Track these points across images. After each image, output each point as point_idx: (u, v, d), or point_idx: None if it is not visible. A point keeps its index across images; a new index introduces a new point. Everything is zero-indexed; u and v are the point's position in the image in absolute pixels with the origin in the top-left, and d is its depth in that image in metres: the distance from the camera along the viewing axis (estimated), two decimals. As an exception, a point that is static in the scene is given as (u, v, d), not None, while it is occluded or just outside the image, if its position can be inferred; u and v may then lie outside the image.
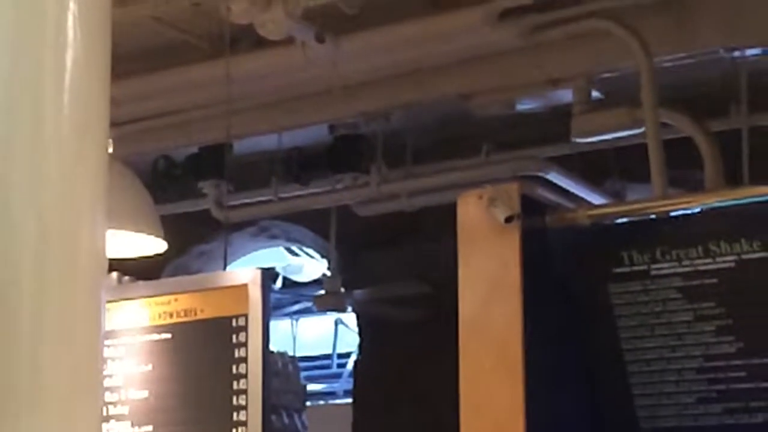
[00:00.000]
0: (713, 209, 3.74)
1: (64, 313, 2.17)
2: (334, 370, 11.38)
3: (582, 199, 6.73)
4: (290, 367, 5.47)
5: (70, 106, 2.25)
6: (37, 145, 2.20)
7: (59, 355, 2.15)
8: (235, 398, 4.37)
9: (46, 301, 2.15)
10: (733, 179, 5.53)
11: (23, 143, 2.19)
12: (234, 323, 4.41)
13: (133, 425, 4.59)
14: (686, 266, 3.64)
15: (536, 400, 3.56)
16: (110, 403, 4.63)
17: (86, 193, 2.27)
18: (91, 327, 2.23)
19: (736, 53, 5.54)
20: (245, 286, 4.40)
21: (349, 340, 10.61)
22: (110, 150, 4.27)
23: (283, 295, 10.50)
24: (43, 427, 2.10)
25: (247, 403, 4.35)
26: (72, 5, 2.26)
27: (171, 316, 4.55)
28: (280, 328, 11.15)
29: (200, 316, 4.49)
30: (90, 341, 2.23)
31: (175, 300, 4.54)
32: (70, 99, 2.24)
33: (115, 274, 4.77)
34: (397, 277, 7.53)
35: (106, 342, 4.67)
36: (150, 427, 4.55)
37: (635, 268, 3.70)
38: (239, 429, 4.34)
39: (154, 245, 4.45)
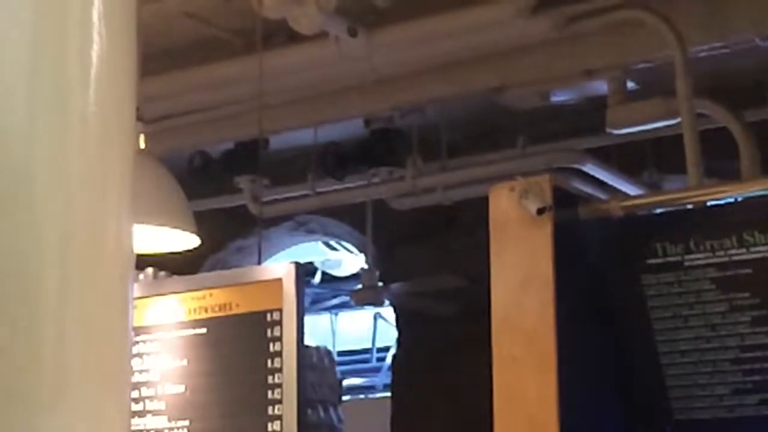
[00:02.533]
0: (747, 199, 3.71)
1: (90, 308, 2.16)
2: (374, 364, 11.41)
3: (618, 190, 6.71)
4: (326, 360, 5.47)
5: (95, 99, 2.24)
6: (61, 139, 2.19)
7: (85, 350, 2.14)
8: (270, 392, 4.38)
9: (71, 295, 2.14)
10: (767, 169, 5.49)
11: (48, 139, 2.18)
12: (268, 317, 4.42)
13: (169, 420, 4.61)
14: (720, 257, 3.61)
15: (569, 391, 3.54)
16: (147, 397, 4.65)
17: (112, 187, 2.26)
18: (118, 322, 2.23)
19: (772, 42, 5.49)
20: (279, 280, 4.40)
21: (389, 334, 10.62)
22: (141, 145, 4.31)
23: (321, 290, 10.52)
24: (68, 423, 2.10)
25: (282, 397, 4.35)
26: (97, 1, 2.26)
27: (206, 310, 4.56)
28: (319, 323, 11.18)
29: (235, 310, 4.50)
30: (117, 336, 2.22)
31: (210, 295, 4.56)
32: (96, 93, 2.24)
33: (150, 270, 4.79)
34: (434, 271, 7.53)
35: (143, 337, 4.69)
36: (186, 422, 4.57)
37: (669, 259, 3.67)
38: (274, 423, 4.35)
39: (188, 240, 4.46)
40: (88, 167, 2.18)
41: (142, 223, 4.07)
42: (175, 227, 4.24)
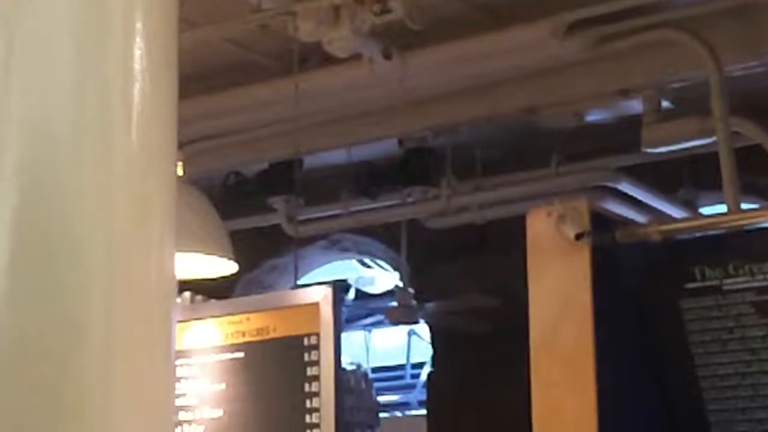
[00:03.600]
0: (785, 223, 3.71)
1: (134, 337, 2.19)
2: (408, 380, 11.39)
3: (653, 208, 6.69)
4: (363, 384, 5.48)
5: (138, 137, 2.27)
6: (105, 171, 2.22)
7: (131, 378, 2.16)
8: (308, 416, 4.39)
9: (116, 324, 2.16)
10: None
11: (92, 169, 2.21)
12: (306, 342, 4.43)
13: (208, 444, 4.63)
14: (759, 280, 3.61)
15: (608, 417, 3.54)
16: (185, 421, 4.67)
17: (155, 216, 2.29)
18: (163, 350, 2.25)
19: (808, 60, 5.48)
20: (317, 304, 4.41)
21: (423, 351, 10.61)
22: (180, 172, 4.33)
23: (356, 308, 10.52)
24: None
25: (320, 421, 4.36)
26: (138, 39, 2.29)
27: (243, 335, 4.58)
28: (353, 339, 11.18)
29: (272, 335, 4.52)
30: (162, 364, 2.24)
31: (247, 319, 4.57)
32: (138, 131, 2.26)
33: (188, 294, 4.81)
34: (467, 289, 7.53)
35: (180, 361, 4.71)
36: (225, 446, 4.59)
37: (707, 283, 3.67)
38: (313, 447, 4.36)
39: (225, 267, 4.48)
40: (132, 201, 2.21)
41: (182, 250, 4.09)
42: (214, 254, 4.26)
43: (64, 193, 2.15)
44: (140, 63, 2.28)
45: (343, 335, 4.58)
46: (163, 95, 2.32)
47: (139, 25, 2.30)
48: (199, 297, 4.82)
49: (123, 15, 2.28)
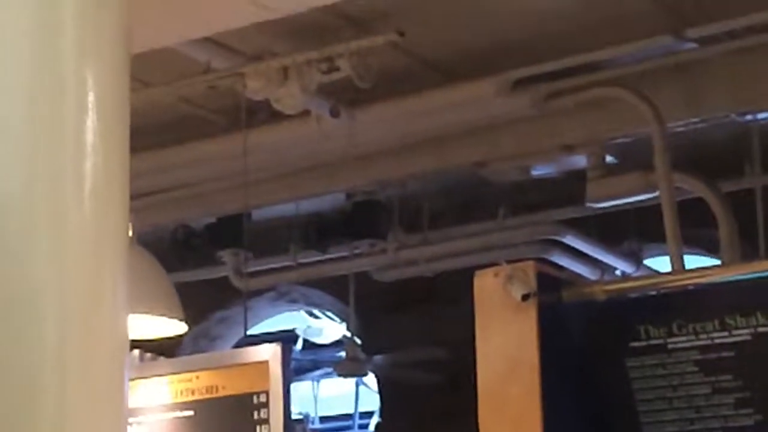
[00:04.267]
0: (729, 283, 3.76)
1: (87, 397, 2.21)
2: (356, 431, 11.37)
3: (599, 261, 6.77)
4: (311, 439, 5.50)
5: (90, 195, 2.30)
6: (58, 233, 2.25)
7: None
8: (257, 474, 4.39)
9: (70, 383, 2.18)
10: (747, 238, 5.57)
11: (44, 233, 2.24)
12: (255, 400, 4.44)
13: (157, 503, 4.61)
14: (703, 339, 3.66)
15: (556, 476, 3.58)
16: (134, 481, 4.65)
17: (107, 278, 2.32)
18: (116, 409, 2.27)
19: (748, 116, 5.59)
20: (266, 362, 4.42)
21: (371, 400, 10.61)
22: (130, 233, 4.35)
23: (303, 358, 10.51)
24: None
25: (269, 479, 4.36)
26: (91, 108, 2.32)
27: (193, 393, 4.58)
28: (301, 388, 11.15)
29: (222, 393, 4.51)
30: (115, 422, 2.26)
31: (197, 377, 4.57)
32: (90, 189, 2.29)
33: (137, 352, 4.80)
34: (417, 341, 7.56)
35: (130, 420, 4.70)
36: (174, 505, 4.57)
37: (652, 341, 3.72)
38: (262, 505, 4.35)
39: (174, 327, 4.49)
40: (84, 264, 2.23)
41: (131, 311, 4.09)
42: (163, 315, 4.27)
43: (18, 257, 2.17)
44: (92, 132, 2.31)
45: (292, 385, 4.59)
46: (115, 161, 2.36)
47: (91, 95, 2.33)
48: (148, 355, 4.81)
49: (76, 84, 2.31)
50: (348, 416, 11.50)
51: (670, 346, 3.70)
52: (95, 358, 2.20)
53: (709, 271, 3.90)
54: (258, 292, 8.04)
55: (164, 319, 4.34)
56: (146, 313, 4.22)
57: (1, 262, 2.15)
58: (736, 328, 3.61)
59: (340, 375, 7.77)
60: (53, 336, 2.15)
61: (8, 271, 2.16)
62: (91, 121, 2.31)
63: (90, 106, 2.31)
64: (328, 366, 9.50)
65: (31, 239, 2.20)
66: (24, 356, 2.12)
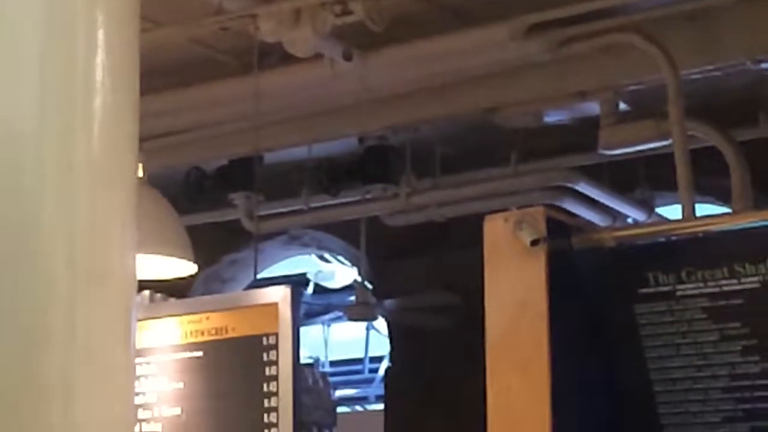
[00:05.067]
0: (739, 231, 3.75)
1: (96, 335, 2.22)
2: (366, 375, 11.43)
3: (610, 208, 6.76)
4: (321, 383, 5.51)
5: (99, 133, 2.30)
6: (67, 173, 2.26)
7: (91, 377, 2.19)
8: (266, 416, 4.41)
9: (78, 323, 2.20)
10: (760, 187, 5.55)
11: (54, 172, 2.25)
12: (265, 341, 4.46)
13: (165, 442, 4.65)
14: (712, 287, 3.66)
15: (563, 421, 3.59)
16: (143, 420, 4.68)
17: (116, 217, 2.32)
18: (124, 348, 2.28)
19: (763, 65, 5.55)
20: (275, 304, 4.44)
21: (381, 344, 10.65)
22: (141, 174, 4.35)
23: (314, 302, 10.55)
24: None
25: (278, 421, 4.39)
26: (100, 46, 2.31)
27: (202, 334, 4.60)
28: (312, 333, 11.20)
29: (231, 334, 4.54)
30: (123, 362, 2.28)
31: (207, 318, 4.59)
32: (100, 126, 2.30)
33: (147, 293, 4.82)
34: (426, 286, 7.58)
35: (139, 360, 4.73)
36: (182, 444, 4.61)
37: (661, 288, 3.72)
38: (271, 446, 4.39)
39: (185, 268, 4.50)
40: (94, 202, 2.24)
41: (141, 252, 4.11)
42: (173, 255, 4.28)
43: (27, 194, 2.18)
44: (102, 70, 2.30)
45: (302, 329, 4.61)
46: (124, 99, 2.36)
47: (100, 33, 2.33)
48: (158, 295, 4.83)
49: (85, 21, 2.30)
50: (358, 360, 11.57)
51: (678, 293, 3.70)
52: (104, 297, 2.21)
53: (719, 219, 3.90)
54: (269, 236, 8.06)
55: (174, 259, 4.35)
56: (156, 253, 4.23)
57: (11, 200, 2.16)
58: (745, 275, 3.60)
59: (350, 319, 7.80)
60: (62, 275, 2.16)
61: (18, 210, 2.17)
62: (100, 58, 2.30)
63: (99, 43, 2.31)
64: (339, 310, 9.54)
65: (41, 177, 2.20)
66: (33, 296, 2.13)
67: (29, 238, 2.17)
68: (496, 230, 3.72)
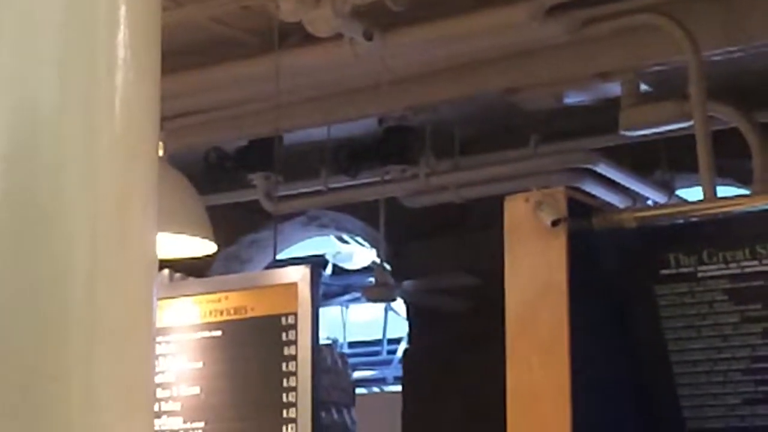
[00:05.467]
0: (760, 212, 3.74)
1: (116, 314, 2.22)
2: (384, 356, 11.44)
3: (630, 190, 6.74)
4: (339, 363, 5.52)
5: (121, 110, 2.30)
6: (89, 151, 2.25)
7: (112, 356, 2.19)
8: (284, 395, 4.42)
9: (99, 301, 2.19)
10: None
11: (75, 151, 2.24)
12: (284, 321, 4.46)
13: (185, 421, 4.66)
14: (733, 268, 3.65)
15: (582, 401, 3.58)
16: (162, 399, 4.70)
17: (137, 196, 2.32)
18: (144, 327, 2.28)
19: (786, 46, 5.52)
20: (295, 284, 4.44)
21: (400, 326, 10.66)
22: (161, 153, 4.35)
23: (333, 284, 10.56)
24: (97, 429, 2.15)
25: (296, 400, 4.40)
26: (123, 22, 2.31)
27: (221, 313, 4.61)
28: (330, 314, 11.21)
29: (250, 314, 4.54)
30: (143, 341, 2.28)
31: (226, 298, 4.60)
32: (121, 103, 2.29)
33: (166, 272, 4.83)
34: (445, 267, 7.57)
35: (159, 339, 4.74)
36: (202, 423, 4.62)
37: (682, 269, 3.71)
38: (289, 426, 4.39)
39: (204, 246, 4.50)
40: (114, 180, 2.24)
41: (161, 230, 4.10)
42: (193, 234, 4.28)
43: (48, 172, 2.18)
44: (123, 46, 2.30)
45: (320, 311, 4.61)
46: (146, 76, 2.35)
47: (122, 10, 2.32)
48: (177, 275, 4.84)
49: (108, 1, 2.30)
50: (376, 342, 11.57)
51: (699, 275, 3.69)
52: (124, 276, 2.21)
53: (740, 200, 3.88)
54: (288, 216, 8.06)
55: (194, 238, 4.36)
56: (176, 231, 4.23)
57: (32, 178, 2.16)
58: (767, 257, 3.59)
59: (369, 300, 7.80)
60: (83, 252, 2.15)
61: (39, 187, 2.16)
62: (122, 35, 2.30)
63: (121, 20, 2.30)
64: (358, 291, 9.54)
65: (63, 155, 2.20)
66: (53, 274, 2.13)
67: (50, 216, 2.17)
68: (516, 211, 3.72)
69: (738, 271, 3.64)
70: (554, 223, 3.59)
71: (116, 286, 2.18)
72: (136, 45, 2.30)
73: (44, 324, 2.09)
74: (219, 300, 4.61)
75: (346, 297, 10.79)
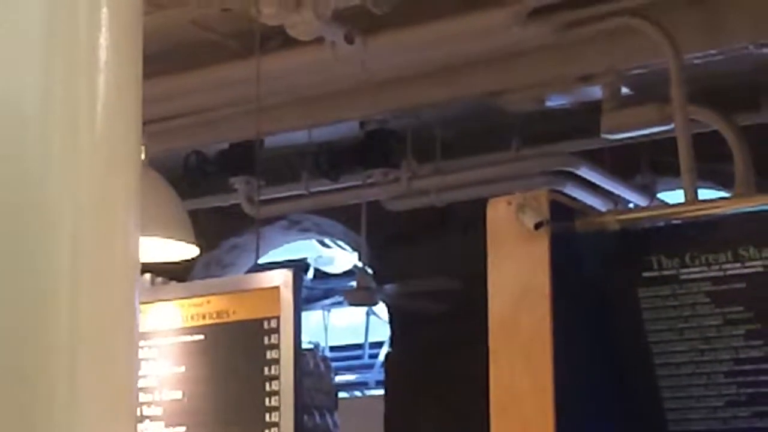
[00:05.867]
0: (743, 214, 3.74)
1: (99, 319, 2.20)
2: (366, 360, 11.42)
3: (612, 193, 6.75)
4: (322, 366, 5.50)
5: (103, 112, 2.29)
6: (71, 154, 2.24)
7: (95, 359, 2.18)
8: (267, 399, 4.41)
9: (82, 306, 2.18)
10: (762, 173, 5.53)
11: (58, 153, 2.23)
12: (266, 325, 4.45)
13: (166, 426, 4.64)
14: (715, 270, 3.65)
15: (565, 403, 3.58)
16: (144, 403, 4.68)
17: (120, 199, 2.31)
18: (128, 330, 2.27)
19: (766, 49, 5.53)
20: (277, 288, 4.43)
21: (381, 330, 10.65)
22: (143, 157, 4.33)
23: (315, 288, 10.54)
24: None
25: (279, 404, 4.38)
26: (103, 29, 2.30)
27: (204, 317, 4.59)
28: (312, 318, 11.19)
29: (232, 317, 4.53)
30: (126, 346, 2.26)
31: (208, 302, 4.58)
32: (104, 106, 2.28)
33: (148, 276, 4.81)
34: (427, 271, 7.57)
35: (141, 343, 4.72)
36: (183, 428, 4.60)
37: (664, 272, 3.71)
38: (272, 430, 4.38)
39: (186, 250, 4.49)
40: (97, 183, 2.23)
41: (143, 234, 4.09)
42: (175, 238, 4.27)
43: (29, 175, 2.16)
44: (105, 49, 2.29)
45: (302, 315, 4.60)
46: (127, 78, 2.34)
47: (104, 12, 2.31)
48: (159, 279, 4.82)
49: (89, 3, 2.29)
50: (358, 346, 11.56)
51: (682, 277, 3.69)
52: (107, 279, 2.20)
53: (723, 203, 3.89)
54: (269, 221, 8.05)
55: (176, 241, 4.34)
56: (158, 235, 4.21)
57: (13, 181, 2.15)
58: (750, 259, 3.60)
59: (351, 304, 7.79)
60: (65, 256, 2.14)
61: (21, 191, 2.15)
62: (104, 37, 2.29)
63: (103, 22, 2.29)
64: (340, 295, 9.53)
65: (44, 157, 2.19)
66: (35, 278, 2.12)
67: (32, 220, 2.16)
68: (498, 213, 3.71)
69: (720, 273, 3.65)
70: (537, 226, 3.58)
71: (99, 289, 2.17)
72: (118, 47, 2.29)
73: (26, 327, 2.08)
74: (201, 304, 4.60)
75: (328, 301, 10.77)
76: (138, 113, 2.38)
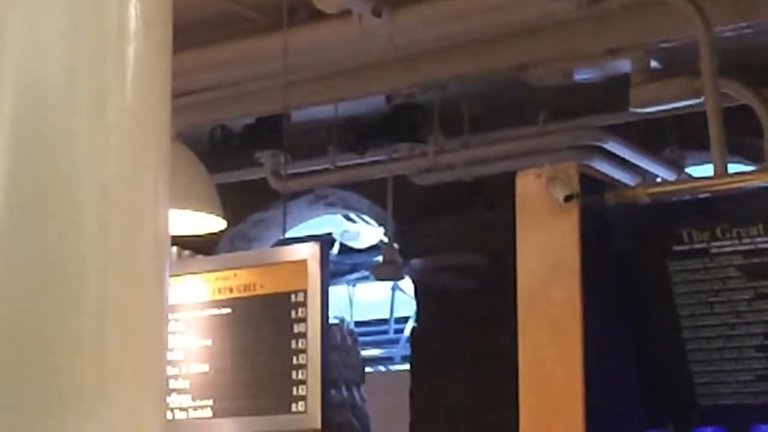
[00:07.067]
0: (774, 187, 3.71)
1: (129, 290, 2.21)
2: (392, 335, 11.42)
3: (640, 168, 6.71)
4: (349, 340, 5.49)
5: (132, 88, 2.28)
6: (100, 127, 2.24)
7: (124, 332, 2.18)
8: (294, 373, 4.40)
9: (111, 280, 2.18)
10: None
11: (87, 127, 2.23)
12: (293, 298, 4.45)
13: (193, 398, 4.64)
14: (746, 244, 3.62)
15: (594, 378, 3.56)
16: (171, 376, 4.68)
17: (149, 173, 2.31)
18: (156, 305, 2.27)
19: (797, 22, 5.47)
20: (304, 261, 4.42)
21: (407, 305, 10.63)
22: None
23: (340, 262, 10.53)
24: (109, 410, 2.14)
25: (306, 378, 4.38)
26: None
27: (231, 291, 4.59)
28: (337, 293, 11.18)
29: (260, 291, 4.53)
30: (155, 319, 2.26)
31: (235, 275, 4.58)
32: (133, 81, 2.28)
33: (175, 249, 4.81)
34: (453, 246, 7.54)
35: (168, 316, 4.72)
36: (210, 401, 4.61)
37: (695, 246, 3.68)
38: (299, 403, 4.38)
39: (214, 223, 4.48)
40: (126, 158, 2.22)
41: (171, 207, 4.09)
42: (203, 211, 4.26)
43: (60, 145, 2.16)
44: (135, 19, 2.28)
45: (329, 296, 4.59)
46: (157, 49, 2.33)
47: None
48: (186, 252, 4.82)
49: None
50: (384, 321, 11.55)
51: (713, 251, 3.66)
52: (137, 252, 2.19)
53: (753, 176, 3.86)
54: (295, 195, 8.04)
55: (203, 214, 4.34)
56: (187, 208, 4.21)
57: (43, 152, 2.14)
58: (781, 233, 3.57)
59: (377, 278, 7.77)
60: (94, 228, 2.14)
61: (50, 161, 2.14)
62: (133, 7, 2.28)
63: (132, -8, 2.28)
64: (366, 269, 9.51)
65: (74, 129, 2.18)
66: (66, 249, 2.11)
67: (61, 191, 2.15)
68: (528, 187, 3.69)
69: (752, 246, 3.62)
70: (567, 199, 3.56)
71: (128, 262, 2.17)
72: (148, 18, 2.28)
73: (56, 300, 2.08)
74: (228, 277, 4.59)
75: (354, 276, 10.76)
76: (167, 82, 2.37)
